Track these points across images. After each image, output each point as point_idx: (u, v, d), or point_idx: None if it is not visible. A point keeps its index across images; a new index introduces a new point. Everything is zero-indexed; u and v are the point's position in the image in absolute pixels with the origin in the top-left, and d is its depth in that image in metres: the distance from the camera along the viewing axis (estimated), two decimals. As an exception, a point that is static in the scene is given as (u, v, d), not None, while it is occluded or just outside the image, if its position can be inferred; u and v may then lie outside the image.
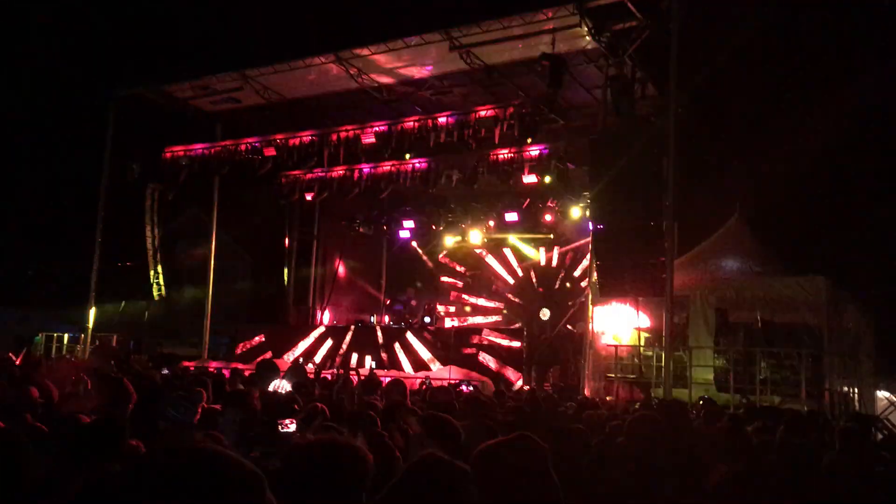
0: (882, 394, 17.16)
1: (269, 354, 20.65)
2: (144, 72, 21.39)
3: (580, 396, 13.63)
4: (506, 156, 18.05)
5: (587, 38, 15.53)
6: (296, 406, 6.68)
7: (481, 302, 25.92)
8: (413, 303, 25.26)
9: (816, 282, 14.60)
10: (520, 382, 18.28)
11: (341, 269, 26.24)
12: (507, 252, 25.60)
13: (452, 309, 25.97)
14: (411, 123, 17.94)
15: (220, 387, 9.11)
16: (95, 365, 12.13)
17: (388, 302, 26.51)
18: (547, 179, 18.06)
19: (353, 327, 21.66)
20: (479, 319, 24.74)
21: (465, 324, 24.09)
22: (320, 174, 21.09)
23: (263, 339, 22.29)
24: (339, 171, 20.69)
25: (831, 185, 22.54)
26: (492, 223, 23.83)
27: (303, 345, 21.53)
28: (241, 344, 22.44)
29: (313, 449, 2.65)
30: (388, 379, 11.68)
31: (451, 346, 19.77)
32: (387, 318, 24.40)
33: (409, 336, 20.58)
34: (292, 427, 5.43)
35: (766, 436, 6.50)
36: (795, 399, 13.29)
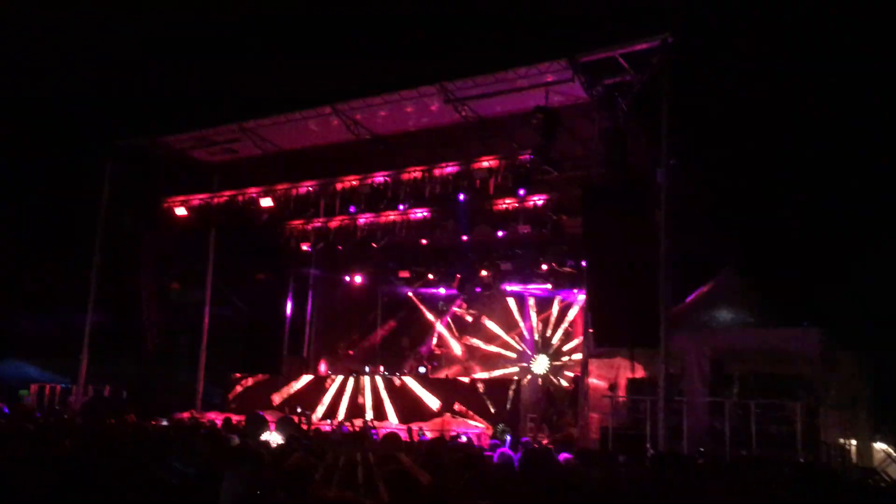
0: (879, 446, 17.03)
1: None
2: (142, 122, 21.54)
3: (577, 449, 13.54)
4: (500, 207, 18.23)
5: (580, 91, 15.80)
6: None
7: (480, 343, 25.90)
8: (407, 353, 25.22)
9: (811, 333, 14.61)
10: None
11: (337, 319, 26.26)
12: (510, 302, 25.61)
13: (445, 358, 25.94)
14: (407, 175, 18.13)
15: (217, 440, 9.05)
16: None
17: (382, 352, 26.47)
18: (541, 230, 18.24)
19: (348, 377, 21.52)
20: (478, 374, 24.62)
21: (460, 374, 24.00)
22: (317, 224, 21.23)
23: (252, 383, 22.35)
24: (335, 222, 20.84)
25: (826, 235, 22.66)
26: (485, 273, 23.90)
27: (295, 391, 21.50)
28: (234, 391, 22.43)
29: None
30: (383, 431, 11.64)
31: (445, 396, 19.66)
32: (382, 368, 24.30)
33: (404, 386, 20.48)
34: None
35: (764, 490, 6.43)
36: (791, 452, 13.20)
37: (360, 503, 2.58)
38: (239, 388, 22.60)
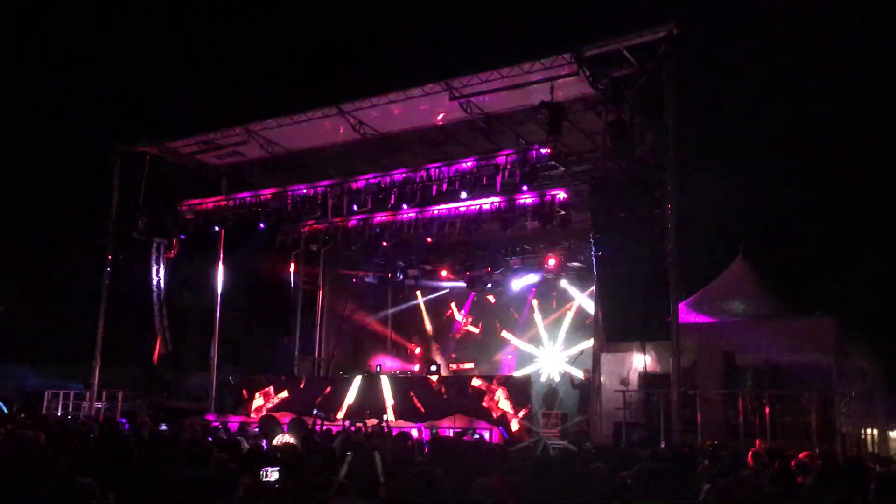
0: (894, 434, 16.95)
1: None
2: (149, 127, 21.60)
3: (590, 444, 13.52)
4: (508, 203, 18.15)
5: (586, 85, 15.72)
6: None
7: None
8: (417, 352, 25.18)
9: (824, 323, 14.52)
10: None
11: (347, 319, 26.24)
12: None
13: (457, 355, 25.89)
14: (414, 173, 18.09)
15: (231, 444, 9.05)
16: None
17: (393, 350, 26.44)
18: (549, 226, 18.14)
19: (359, 377, 21.46)
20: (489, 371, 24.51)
21: (469, 372, 23.91)
22: (324, 225, 21.22)
23: (273, 391, 22.21)
24: (342, 222, 20.82)
25: (837, 224, 22.55)
26: (489, 268, 23.80)
27: (308, 392, 21.43)
28: (254, 399, 22.34)
29: None
30: (395, 430, 11.59)
31: (455, 394, 19.57)
32: (392, 367, 24.26)
33: (416, 385, 20.43)
34: (274, 476, 5.24)
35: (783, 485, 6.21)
36: (806, 442, 13.13)
37: None
38: (253, 390, 22.55)
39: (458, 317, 26.62)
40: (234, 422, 17.35)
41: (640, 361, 15.45)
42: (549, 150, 16.19)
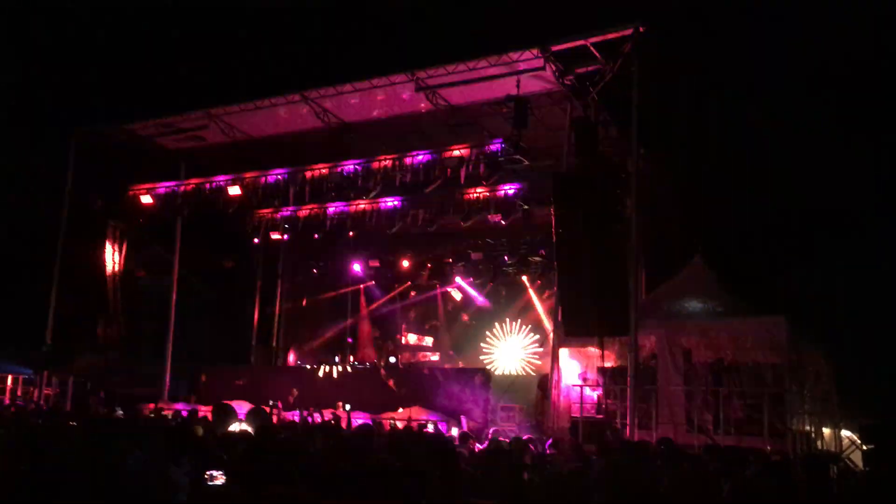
0: (845, 433, 17.27)
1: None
2: (107, 109, 21.17)
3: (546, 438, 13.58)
4: (471, 196, 18.15)
5: (552, 80, 15.76)
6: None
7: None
8: (375, 342, 25.11)
9: (778, 322, 14.70)
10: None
11: (306, 308, 26.05)
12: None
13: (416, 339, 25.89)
14: (377, 163, 17.98)
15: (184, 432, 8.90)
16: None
17: (350, 340, 26.29)
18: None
19: (318, 367, 21.32)
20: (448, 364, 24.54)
21: (430, 364, 23.90)
22: (286, 213, 21.01)
23: (220, 373, 22.02)
24: (304, 210, 20.63)
25: (793, 225, 22.93)
26: (450, 260, 23.83)
27: (265, 381, 21.27)
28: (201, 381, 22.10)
29: None
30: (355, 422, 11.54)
31: (415, 386, 19.55)
32: (351, 358, 24.15)
33: (374, 376, 20.36)
34: (220, 480, 4.79)
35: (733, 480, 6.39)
36: (759, 438, 13.34)
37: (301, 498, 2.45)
38: (206, 379, 22.28)
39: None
40: (187, 409, 17.16)
41: (599, 356, 15.51)
42: (513, 144, 16.21)
